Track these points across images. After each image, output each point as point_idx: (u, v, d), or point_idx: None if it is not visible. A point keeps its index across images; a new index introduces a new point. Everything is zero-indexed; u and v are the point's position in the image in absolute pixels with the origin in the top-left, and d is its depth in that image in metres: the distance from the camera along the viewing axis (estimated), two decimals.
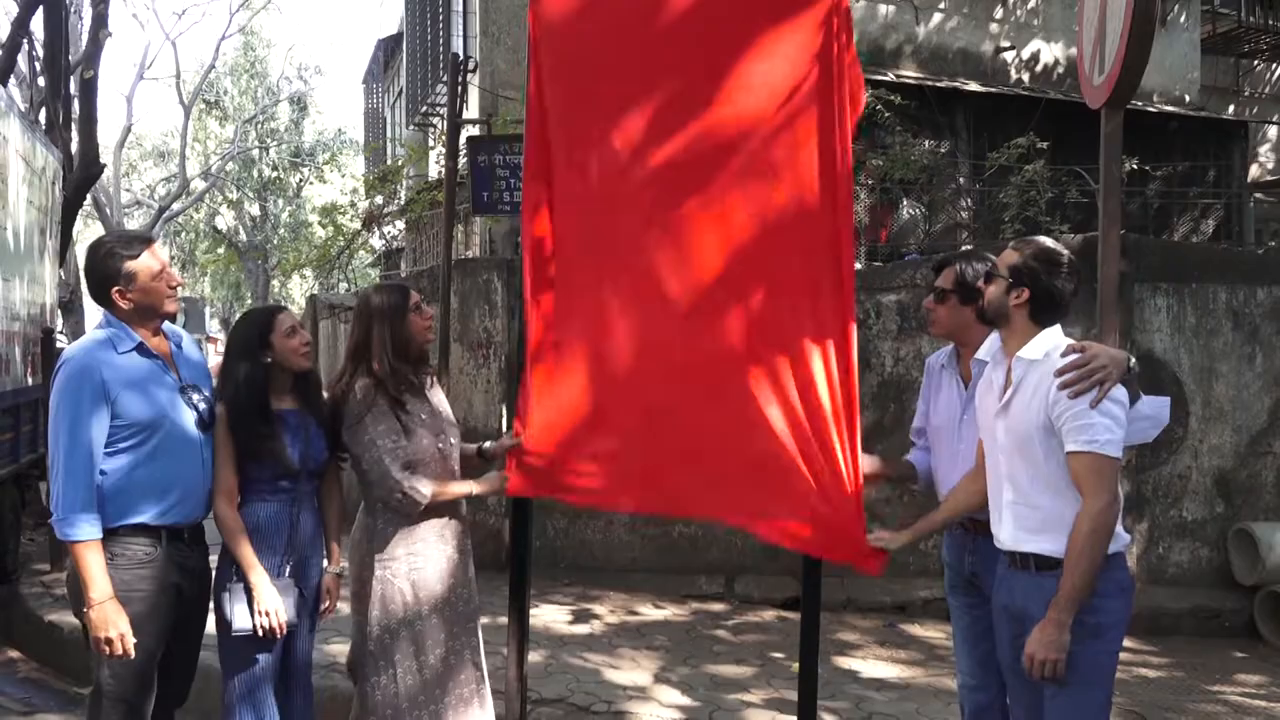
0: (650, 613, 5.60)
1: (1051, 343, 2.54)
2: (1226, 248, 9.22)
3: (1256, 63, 13.63)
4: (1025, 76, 11.07)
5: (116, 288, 2.80)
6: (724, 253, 2.81)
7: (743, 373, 2.78)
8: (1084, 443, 2.41)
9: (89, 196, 14.25)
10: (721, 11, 2.80)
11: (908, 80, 9.89)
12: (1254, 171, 12.93)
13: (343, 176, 28.18)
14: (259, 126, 31.66)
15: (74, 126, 10.50)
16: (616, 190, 2.93)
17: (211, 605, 2.97)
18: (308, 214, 30.22)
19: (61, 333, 9.90)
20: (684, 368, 2.85)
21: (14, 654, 5.22)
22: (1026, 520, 2.54)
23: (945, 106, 10.20)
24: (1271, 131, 13.81)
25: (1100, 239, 3.37)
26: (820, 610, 3.01)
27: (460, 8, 14.76)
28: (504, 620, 3.28)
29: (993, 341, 2.82)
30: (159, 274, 2.83)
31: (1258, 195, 12.67)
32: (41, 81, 11.65)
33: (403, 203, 14.79)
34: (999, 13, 11.02)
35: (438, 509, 3.03)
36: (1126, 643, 5.13)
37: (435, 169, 14.54)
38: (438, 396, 3.19)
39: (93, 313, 3.01)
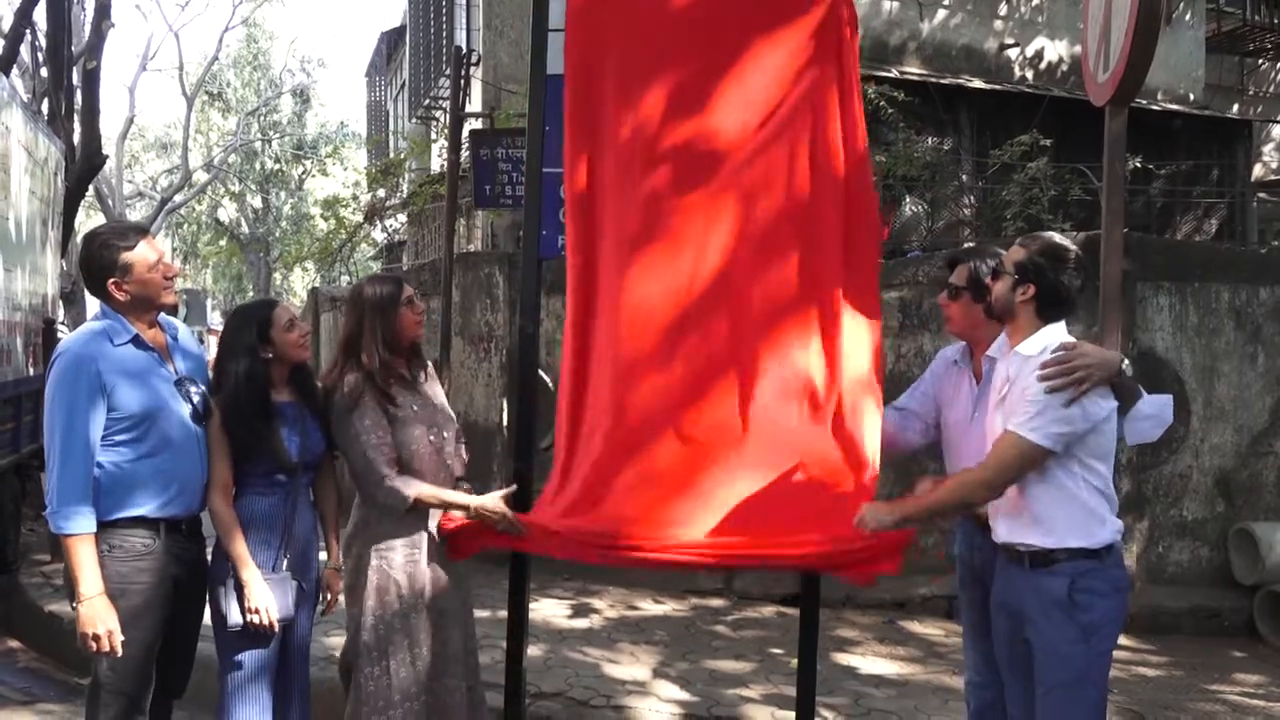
0: (649, 608, 5.61)
1: (1049, 340, 2.54)
2: (1229, 247, 9.20)
3: (1261, 61, 13.60)
4: (1029, 74, 11.04)
5: (112, 279, 2.78)
6: (743, 246, 2.83)
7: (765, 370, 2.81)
8: (1013, 423, 2.46)
9: (91, 187, 14.24)
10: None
11: (911, 77, 9.87)
12: (1258, 171, 12.90)
13: (345, 169, 28.15)
14: (261, 119, 31.65)
15: (76, 117, 10.49)
16: (635, 177, 2.94)
17: (208, 598, 2.97)
18: (310, 206, 30.22)
19: (63, 323, 9.90)
20: (706, 373, 2.85)
21: (14, 644, 5.23)
22: (1021, 514, 2.55)
23: (949, 103, 10.17)
24: (1276, 131, 13.78)
25: (1103, 237, 3.36)
26: (819, 606, 3.01)
27: (464, 1, 14.74)
28: (503, 614, 3.28)
29: (1003, 338, 2.82)
30: (155, 265, 2.82)
31: (1261, 195, 12.65)
32: (44, 72, 11.63)
33: (405, 196, 14.81)
34: (1003, 9, 11.00)
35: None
36: (1126, 641, 5.15)
37: (437, 162, 14.54)
38: (433, 389, 3.18)
39: (94, 303, 2.99)
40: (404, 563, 2.98)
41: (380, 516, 3.00)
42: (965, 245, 8.60)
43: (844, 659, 4.78)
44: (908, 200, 9.42)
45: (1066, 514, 2.48)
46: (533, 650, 4.37)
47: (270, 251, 32.63)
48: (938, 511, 2.66)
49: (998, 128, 9.97)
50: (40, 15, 10.76)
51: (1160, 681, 4.68)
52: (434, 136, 15.70)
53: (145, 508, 2.77)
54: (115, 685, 2.77)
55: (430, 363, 3.30)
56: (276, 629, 2.89)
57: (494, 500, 2.94)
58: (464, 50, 7.58)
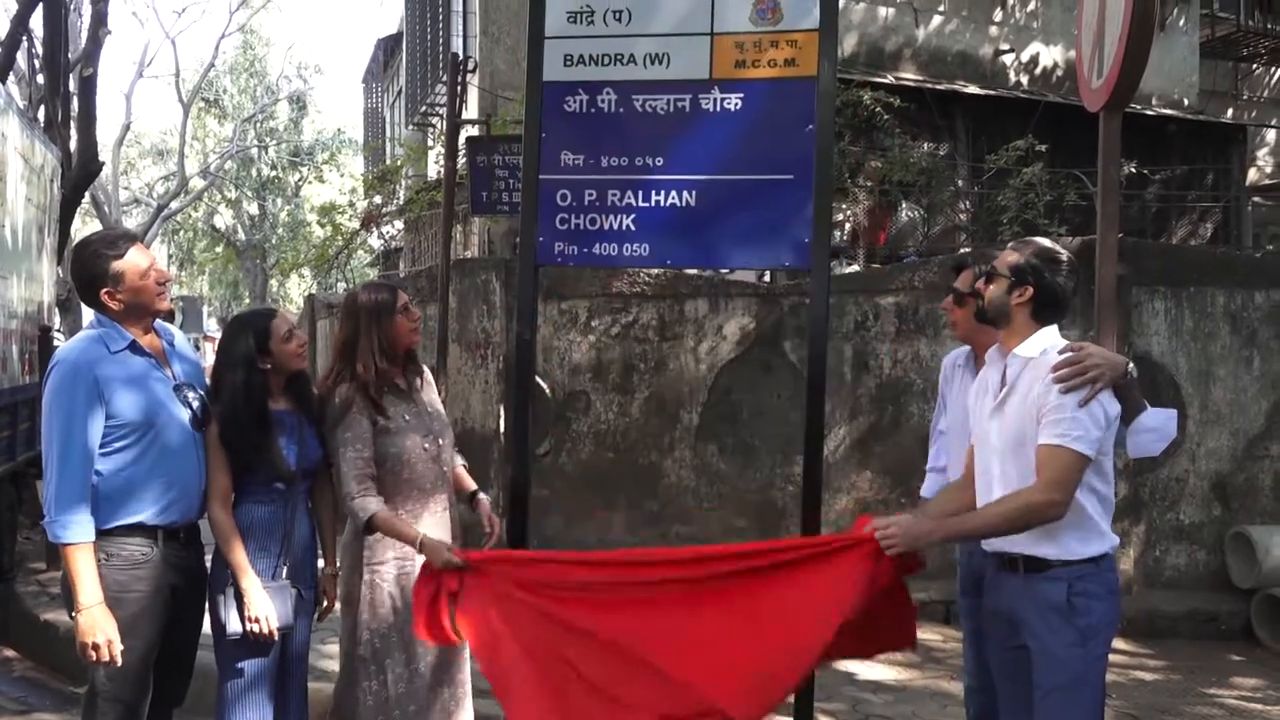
0: None
1: (1048, 341, 2.55)
2: (1224, 251, 9.23)
3: (1255, 66, 13.64)
4: (1024, 79, 11.08)
5: (105, 289, 2.77)
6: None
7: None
8: (1055, 436, 2.41)
9: (87, 194, 14.23)
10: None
11: (907, 82, 9.90)
12: (1252, 175, 12.94)
13: (341, 176, 28.23)
14: (258, 125, 31.65)
15: (73, 124, 10.50)
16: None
17: (208, 607, 2.97)
18: (306, 213, 30.22)
19: (59, 330, 9.89)
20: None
21: (10, 653, 5.22)
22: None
23: (944, 109, 10.21)
24: (1270, 135, 13.82)
25: (1098, 242, 3.38)
26: None
27: (460, 8, 14.77)
28: None
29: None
30: (146, 272, 2.80)
31: (1256, 199, 12.69)
32: (41, 79, 11.64)
33: (401, 202, 14.80)
34: (998, 15, 11.03)
35: (429, 511, 3.02)
36: (1123, 645, 5.16)
37: (434, 169, 14.53)
38: (428, 396, 3.17)
39: (90, 311, 2.98)
40: (396, 574, 2.98)
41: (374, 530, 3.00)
42: (963, 250, 8.63)
43: (842, 664, 4.77)
44: (904, 206, 9.45)
45: (1068, 526, 2.47)
46: None
47: (266, 258, 32.60)
48: (989, 535, 2.54)
49: (993, 133, 10.00)
50: (37, 22, 10.76)
51: (1158, 685, 4.68)
52: (431, 143, 15.70)
53: (143, 515, 2.76)
54: (112, 694, 2.76)
55: (427, 369, 3.30)
56: (276, 637, 2.88)
57: (440, 542, 2.86)
58: (461, 57, 7.59)
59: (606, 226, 3.18)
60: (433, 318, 6.51)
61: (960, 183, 10.33)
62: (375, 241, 17.33)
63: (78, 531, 2.66)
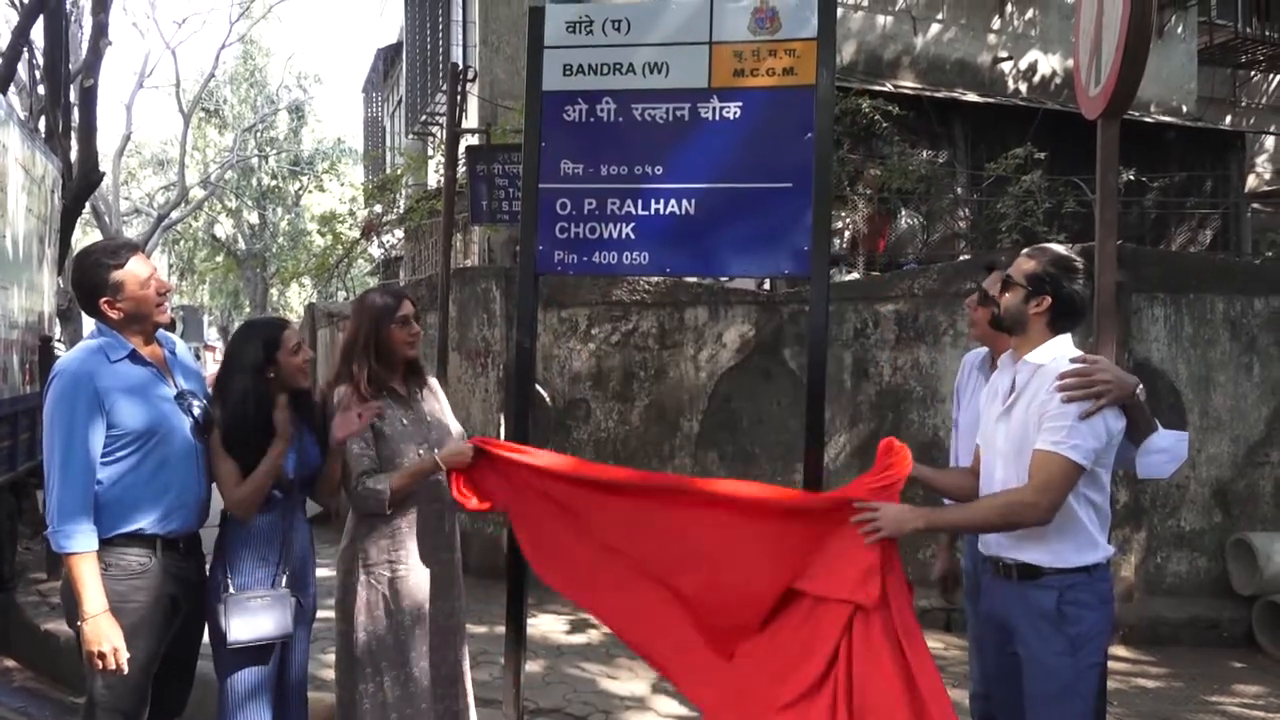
0: None
1: (1060, 350, 2.55)
2: (1224, 258, 9.24)
3: (1253, 73, 13.68)
4: (1023, 87, 11.10)
5: (105, 298, 2.78)
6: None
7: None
8: (1051, 442, 2.42)
9: (88, 204, 14.26)
10: None
11: (906, 90, 9.92)
12: (1251, 182, 12.96)
13: (342, 185, 28.25)
14: (258, 135, 31.72)
15: (74, 135, 10.52)
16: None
17: (207, 616, 2.96)
18: (306, 222, 30.25)
19: (59, 340, 9.89)
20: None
21: (10, 663, 5.21)
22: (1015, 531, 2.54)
23: (943, 117, 10.23)
24: (1268, 142, 13.84)
25: (1097, 249, 3.37)
26: None
27: (460, 17, 14.81)
28: (501, 630, 3.27)
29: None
30: (146, 282, 2.81)
31: (1255, 205, 12.70)
32: (41, 90, 11.66)
33: (401, 211, 14.83)
34: (996, 23, 11.06)
35: (423, 515, 3.02)
36: (1125, 653, 5.15)
37: (434, 178, 14.56)
38: (430, 406, 3.17)
39: (91, 321, 2.99)
40: (390, 577, 2.98)
41: (368, 529, 3.00)
42: (964, 257, 8.64)
43: None
44: (903, 213, 9.46)
45: (1064, 534, 2.47)
46: (531, 666, 4.37)
47: (267, 267, 32.63)
48: (971, 530, 2.60)
49: (992, 141, 10.02)
50: (38, 33, 10.79)
51: (1159, 693, 4.67)
52: (430, 152, 15.73)
53: (142, 524, 2.76)
54: (111, 704, 2.75)
55: (435, 380, 3.31)
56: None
57: (455, 445, 2.98)
58: (460, 66, 7.60)
59: (606, 235, 3.19)
60: (433, 326, 6.52)
61: (959, 190, 10.34)
62: (375, 250, 17.37)
63: (81, 541, 2.66)
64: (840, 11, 8.56)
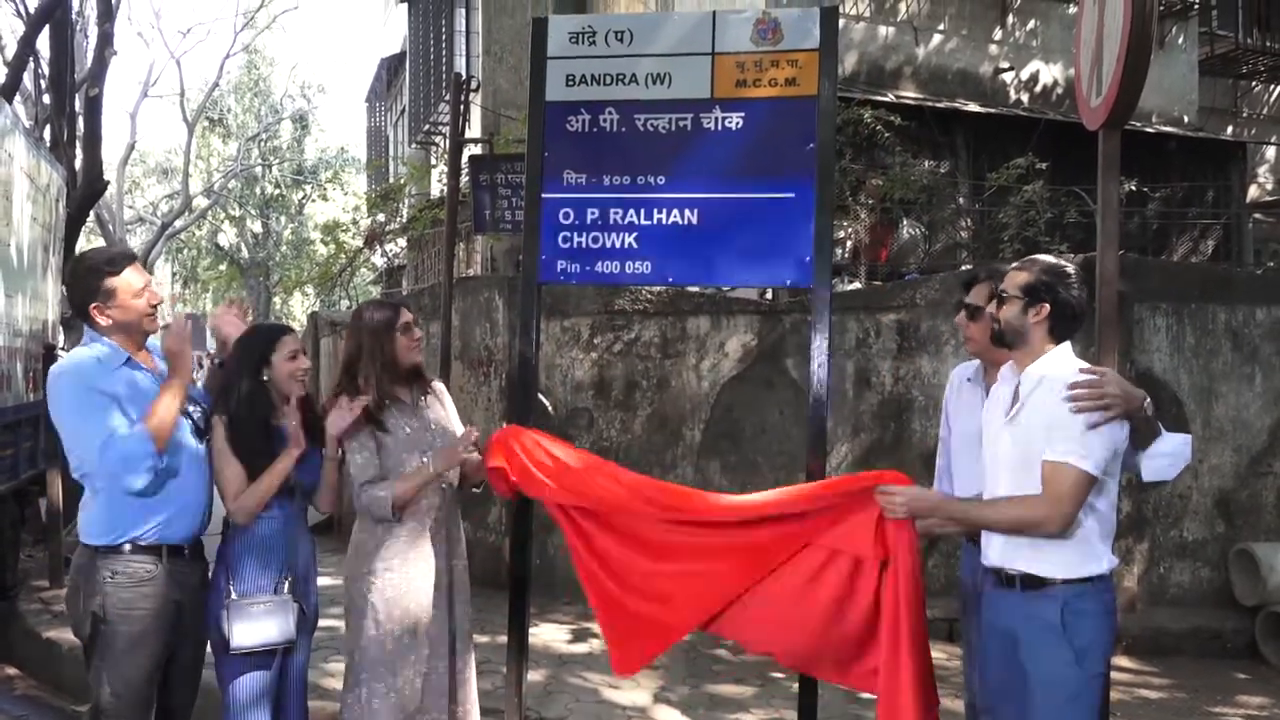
0: None
1: (1062, 359, 2.55)
2: (1225, 268, 9.23)
3: (1254, 84, 13.68)
4: (1024, 97, 11.11)
5: (95, 304, 2.79)
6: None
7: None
8: (1061, 453, 2.42)
9: (92, 213, 14.30)
10: None
11: (907, 101, 9.93)
12: (1252, 192, 12.95)
13: (345, 194, 28.30)
14: (262, 144, 31.81)
15: (78, 144, 10.56)
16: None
17: (210, 622, 2.97)
18: (310, 231, 30.32)
19: (63, 349, 9.91)
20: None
21: (12, 671, 5.21)
22: (1019, 538, 2.54)
23: (944, 127, 10.23)
24: (1270, 152, 13.84)
25: (1098, 259, 3.38)
26: None
27: (463, 27, 14.87)
28: (503, 639, 3.27)
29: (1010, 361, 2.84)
30: (139, 292, 2.82)
31: (1256, 216, 12.69)
32: (47, 99, 11.71)
33: (404, 220, 14.84)
34: (998, 34, 11.08)
35: (430, 523, 3.03)
36: (1128, 663, 5.14)
37: (437, 187, 14.60)
38: (435, 413, 3.18)
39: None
40: (396, 583, 2.99)
41: (372, 538, 3.01)
42: (965, 267, 8.64)
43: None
44: (905, 223, 9.46)
45: (1069, 544, 2.47)
46: (533, 676, 4.36)
47: (270, 276, 32.69)
48: (983, 526, 2.60)
49: (994, 151, 10.03)
50: (43, 43, 10.85)
51: (1162, 704, 4.66)
52: (434, 162, 15.77)
53: (148, 531, 2.77)
54: (117, 711, 2.76)
55: (441, 385, 3.31)
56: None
57: (444, 450, 3.01)
58: (464, 76, 7.63)
59: (608, 244, 3.21)
60: (435, 335, 6.53)
61: (961, 200, 10.34)
62: (378, 259, 17.37)
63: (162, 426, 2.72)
64: (842, 22, 8.58)
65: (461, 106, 7.07)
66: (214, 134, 32.33)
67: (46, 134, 10.77)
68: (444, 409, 3.24)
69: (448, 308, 6.44)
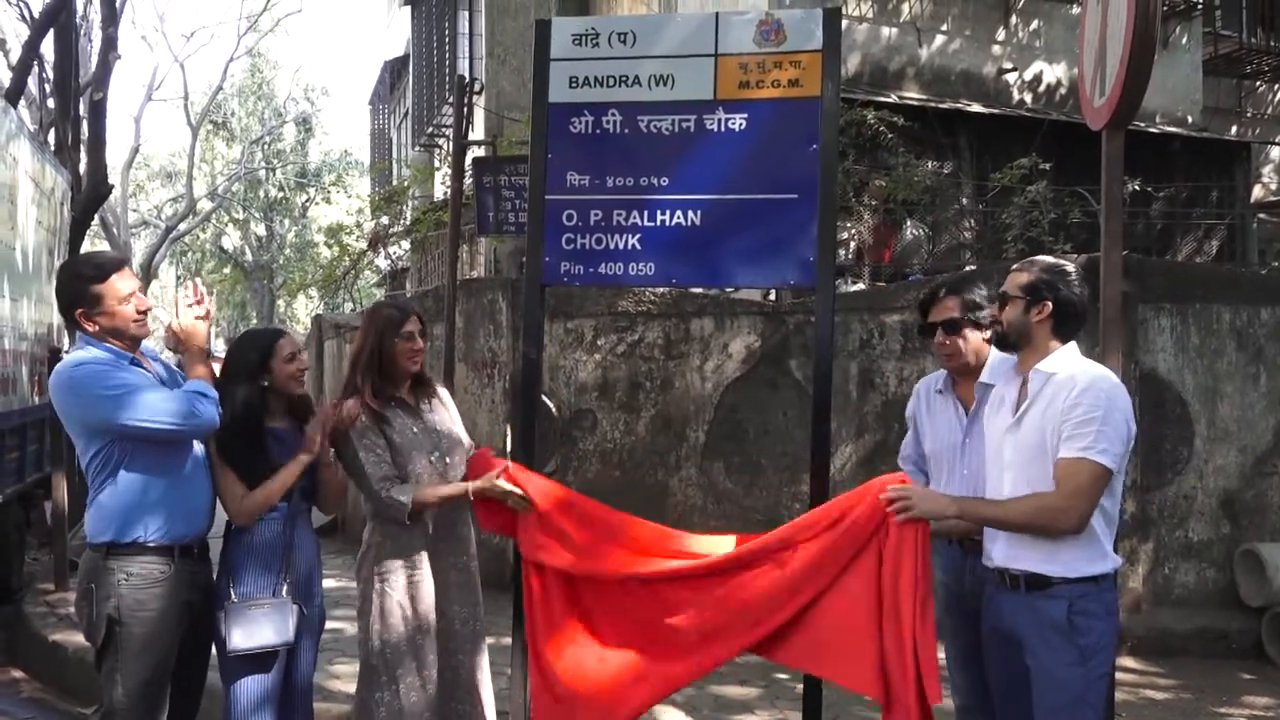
0: None
1: (1070, 358, 2.55)
2: (1230, 268, 9.22)
3: (1259, 84, 13.66)
4: (1027, 98, 11.11)
5: (80, 309, 2.79)
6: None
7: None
8: (1079, 448, 2.41)
9: (96, 216, 14.33)
10: None
11: (910, 101, 9.93)
12: (1257, 192, 12.93)
13: (348, 197, 28.32)
14: (265, 147, 31.88)
15: (83, 147, 10.57)
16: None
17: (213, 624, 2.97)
18: (313, 234, 30.36)
19: (67, 352, 9.95)
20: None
21: (17, 674, 5.21)
22: (1024, 538, 2.53)
23: (948, 128, 10.23)
24: (1274, 152, 13.82)
25: (1102, 259, 3.37)
26: None
27: (466, 30, 14.89)
28: (508, 640, 3.27)
29: (998, 364, 2.84)
30: (126, 298, 2.80)
31: (1261, 216, 12.67)
32: (51, 103, 11.74)
33: (408, 223, 14.87)
34: (1001, 34, 11.08)
35: (439, 524, 3.04)
36: (1133, 664, 5.13)
37: (441, 189, 14.61)
38: (440, 416, 3.19)
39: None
40: (406, 585, 3.00)
41: (384, 537, 3.02)
42: (969, 268, 8.63)
43: None
44: (909, 224, 9.45)
45: (1075, 543, 2.46)
46: None
47: (274, 279, 32.76)
48: (999, 526, 2.57)
49: (997, 151, 10.02)
50: (48, 47, 10.87)
51: (1168, 704, 4.65)
52: (437, 164, 15.79)
53: (158, 531, 2.78)
54: (129, 712, 2.77)
55: (444, 391, 3.32)
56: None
57: (489, 480, 2.95)
58: (467, 79, 7.65)
59: (612, 246, 3.21)
60: (439, 337, 6.54)
61: (964, 201, 10.34)
62: (382, 262, 17.40)
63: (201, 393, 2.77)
64: (845, 23, 8.58)
65: (465, 109, 7.09)
66: (218, 137, 32.42)
67: (51, 138, 10.78)
68: (448, 414, 3.25)
69: (451, 310, 6.45)
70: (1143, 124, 10.35)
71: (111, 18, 10.91)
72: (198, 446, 2.90)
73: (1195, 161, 11.17)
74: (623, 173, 3.21)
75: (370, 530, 3.07)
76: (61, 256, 8.09)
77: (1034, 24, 11.21)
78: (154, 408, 2.70)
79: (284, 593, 2.95)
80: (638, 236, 3.19)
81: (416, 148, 17.38)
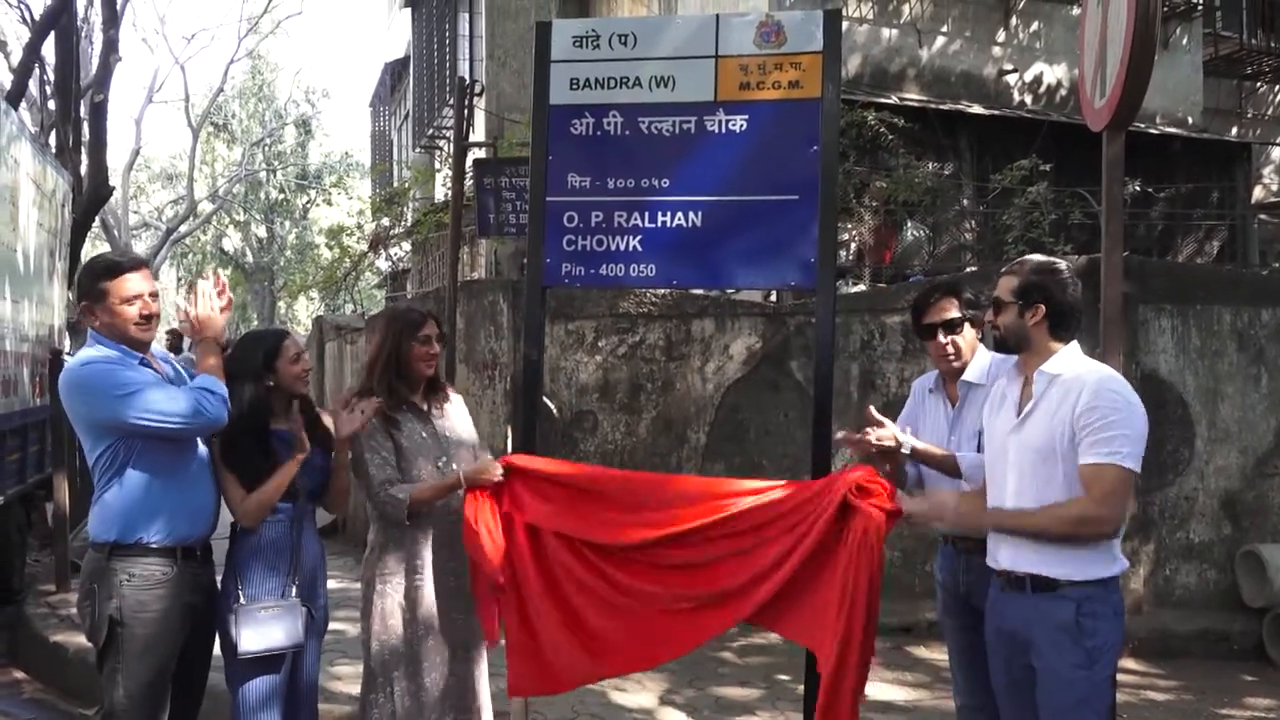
0: None
1: (1074, 358, 2.54)
2: (1231, 269, 9.22)
3: (1259, 85, 13.65)
4: (1028, 99, 11.11)
5: (86, 302, 2.83)
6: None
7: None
8: (1104, 454, 2.40)
9: (97, 218, 14.35)
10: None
11: (911, 103, 9.93)
12: (1258, 193, 12.93)
13: (349, 198, 28.36)
14: (266, 149, 31.90)
15: (84, 149, 10.60)
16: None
17: (218, 626, 2.97)
18: (314, 236, 30.39)
19: (69, 354, 9.95)
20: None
21: (19, 675, 5.22)
22: (1030, 540, 2.52)
23: (948, 129, 10.23)
24: (1275, 153, 13.82)
25: (1103, 260, 3.38)
26: None
27: (467, 32, 14.90)
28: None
29: (983, 364, 2.84)
30: (132, 299, 2.80)
31: (1261, 216, 12.66)
32: (52, 105, 11.76)
33: (409, 224, 14.88)
34: (1001, 35, 11.08)
35: (441, 528, 3.04)
36: (1135, 665, 5.12)
37: (441, 191, 14.62)
38: (450, 422, 3.18)
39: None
40: (406, 588, 3.00)
41: (387, 539, 3.03)
42: (970, 269, 8.63)
43: None
44: (909, 225, 9.45)
45: (1084, 545, 2.46)
46: None
47: (275, 280, 32.77)
48: (1030, 535, 2.53)
49: (998, 152, 10.02)
50: (49, 49, 10.89)
51: (1170, 706, 4.65)
52: (438, 166, 15.81)
53: (162, 532, 2.79)
54: (130, 713, 2.77)
55: (457, 397, 3.31)
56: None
57: (481, 461, 2.98)
58: (468, 80, 7.65)
59: (613, 247, 3.21)
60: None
61: (965, 202, 10.34)
62: (383, 263, 17.41)
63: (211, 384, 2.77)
64: (845, 25, 8.58)
65: (465, 110, 7.10)
66: (218, 139, 32.43)
67: (52, 140, 10.80)
68: (459, 419, 3.25)
69: (452, 311, 6.45)
70: (1143, 125, 10.35)
71: (112, 20, 10.92)
72: (203, 448, 2.90)
73: (1196, 162, 11.17)
74: (623, 174, 3.22)
75: (374, 532, 3.07)
76: (63, 259, 8.10)
77: (1034, 25, 11.21)
78: (161, 405, 2.70)
79: (293, 594, 2.95)
80: (639, 238, 3.19)
81: (417, 149, 17.39)
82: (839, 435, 2.99)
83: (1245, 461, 5.82)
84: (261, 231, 33.38)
